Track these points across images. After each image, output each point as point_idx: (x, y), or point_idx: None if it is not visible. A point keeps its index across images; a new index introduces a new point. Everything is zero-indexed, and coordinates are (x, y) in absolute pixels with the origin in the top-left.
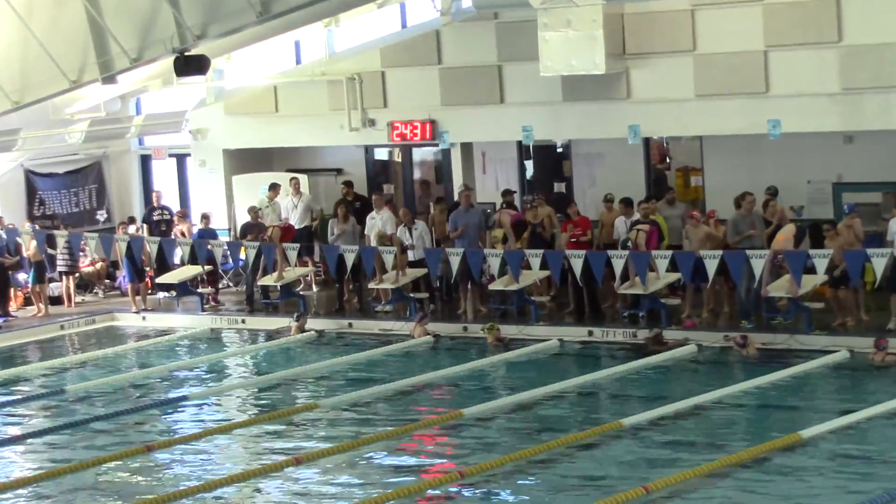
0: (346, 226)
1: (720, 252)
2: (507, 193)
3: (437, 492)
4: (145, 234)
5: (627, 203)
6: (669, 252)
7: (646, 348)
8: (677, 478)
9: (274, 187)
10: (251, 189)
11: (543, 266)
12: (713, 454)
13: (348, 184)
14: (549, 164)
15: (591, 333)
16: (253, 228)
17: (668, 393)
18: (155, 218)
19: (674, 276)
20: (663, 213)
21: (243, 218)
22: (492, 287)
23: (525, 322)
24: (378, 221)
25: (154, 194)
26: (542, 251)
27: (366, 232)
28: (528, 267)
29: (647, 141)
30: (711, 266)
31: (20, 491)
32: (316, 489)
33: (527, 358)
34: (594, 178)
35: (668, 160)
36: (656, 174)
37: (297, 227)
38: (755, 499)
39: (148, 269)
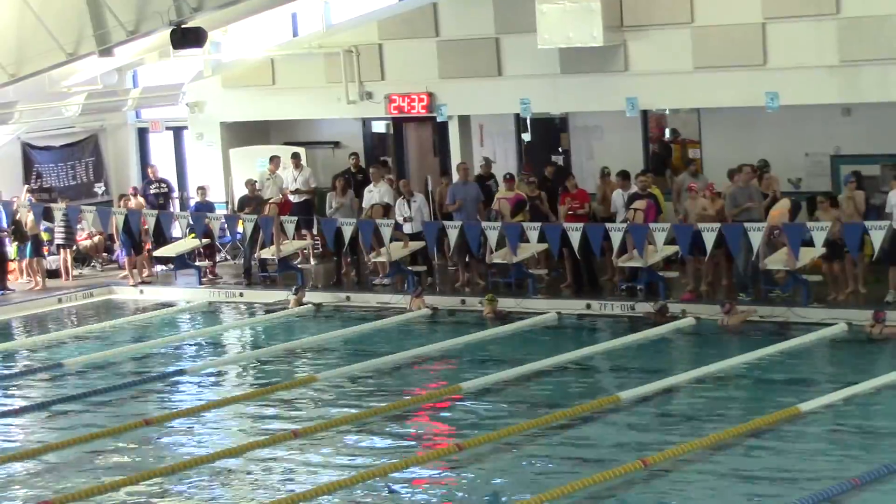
0: (344, 199)
1: (718, 225)
2: (550, 164)
3: (435, 465)
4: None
5: (624, 176)
6: (667, 225)
7: (650, 320)
8: (675, 451)
9: (273, 160)
10: (248, 162)
11: (542, 239)
12: (711, 427)
13: (355, 155)
14: (547, 137)
15: (588, 306)
16: (251, 201)
17: (665, 366)
18: (152, 191)
19: (672, 249)
20: (686, 185)
21: (241, 191)
22: (491, 260)
23: (523, 295)
24: (376, 194)
25: (150, 168)
26: (539, 224)
27: (364, 205)
28: (527, 240)
29: (644, 113)
30: (710, 239)
31: (17, 465)
32: (314, 462)
33: (525, 331)
34: (592, 150)
35: (668, 133)
36: (662, 146)
37: (297, 200)
38: (754, 472)
39: (145, 241)
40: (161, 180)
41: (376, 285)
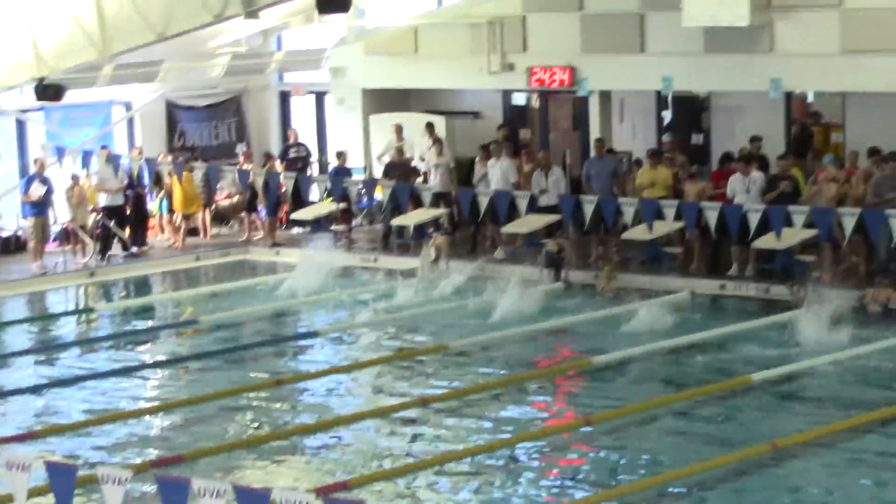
0: (487, 169)
1: (858, 210)
2: (753, 140)
3: (564, 437)
4: (281, 170)
5: (746, 161)
6: (806, 208)
7: (788, 302)
8: (806, 436)
9: (396, 128)
10: (388, 129)
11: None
12: (843, 412)
13: (504, 127)
14: (688, 116)
15: (723, 287)
16: (397, 168)
17: (799, 350)
18: (291, 155)
19: (810, 233)
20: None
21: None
22: (625, 236)
23: (657, 273)
24: (498, 169)
25: (290, 132)
26: (676, 202)
27: (488, 179)
28: (662, 217)
29: (788, 95)
30: (849, 224)
31: (147, 418)
32: (441, 431)
33: (657, 309)
34: (733, 131)
35: (814, 116)
36: (802, 129)
37: (439, 190)
38: (885, 459)
39: (284, 203)
40: (300, 144)
41: (497, 260)
